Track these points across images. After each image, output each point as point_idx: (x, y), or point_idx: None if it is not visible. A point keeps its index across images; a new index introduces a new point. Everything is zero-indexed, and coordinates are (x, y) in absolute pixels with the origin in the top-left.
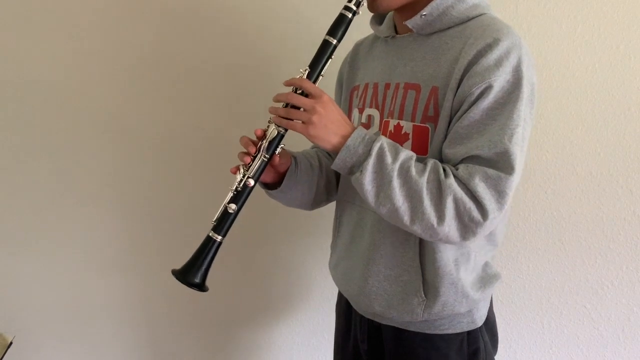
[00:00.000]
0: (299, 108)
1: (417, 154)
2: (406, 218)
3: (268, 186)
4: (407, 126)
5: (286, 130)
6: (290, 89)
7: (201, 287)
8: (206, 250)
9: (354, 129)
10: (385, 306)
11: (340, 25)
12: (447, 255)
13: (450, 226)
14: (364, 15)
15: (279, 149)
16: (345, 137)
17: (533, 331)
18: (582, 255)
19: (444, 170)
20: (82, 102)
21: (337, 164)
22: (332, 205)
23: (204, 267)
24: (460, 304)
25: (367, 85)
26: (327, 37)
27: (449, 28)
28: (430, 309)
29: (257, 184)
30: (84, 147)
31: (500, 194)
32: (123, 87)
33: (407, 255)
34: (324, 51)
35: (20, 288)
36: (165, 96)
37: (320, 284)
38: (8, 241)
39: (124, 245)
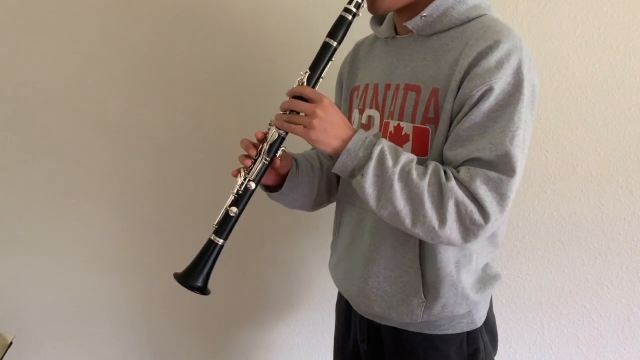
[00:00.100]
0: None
1: (417, 155)
2: (407, 221)
3: (269, 188)
4: (407, 127)
5: (287, 133)
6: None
7: (203, 290)
8: (208, 254)
9: (354, 132)
10: (385, 307)
11: (340, 28)
12: (447, 256)
13: (451, 229)
14: (364, 15)
15: (279, 152)
16: (346, 141)
17: (533, 331)
18: (582, 255)
19: (445, 172)
20: (83, 102)
21: (338, 168)
22: (332, 206)
23: (205, 271)
24: (460, 305)
25: (367, 85)
26: (327, 40)
27: (449, 29)
28: (430, 310)
29: (258, 187)
30: (84, 147)
31: (501, 196)
32: (123, 88)
33: (407, 256)
34: (324, 54)
35: (20, 288)
36: (166, 97)
37: (320, 284)
38: (8, 241)
39: (124, 245)
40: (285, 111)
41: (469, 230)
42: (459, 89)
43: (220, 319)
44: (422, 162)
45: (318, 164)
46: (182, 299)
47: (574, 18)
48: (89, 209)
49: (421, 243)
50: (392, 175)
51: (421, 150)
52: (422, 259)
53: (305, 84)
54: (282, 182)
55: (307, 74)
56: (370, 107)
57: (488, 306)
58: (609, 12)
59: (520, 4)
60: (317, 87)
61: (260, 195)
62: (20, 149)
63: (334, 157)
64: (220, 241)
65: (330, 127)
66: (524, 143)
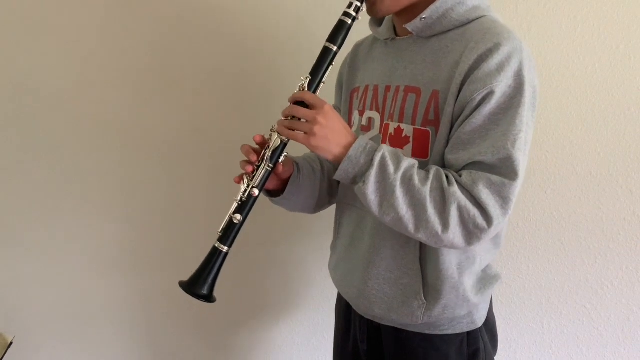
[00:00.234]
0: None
1: (418, 157)
2: (411, 226)
3: (271, 193)
4: (407, 129)
5: (289, 139)
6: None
7: (209, 298)
8: (213, 261)
9: (355, 138)
10: (385, 309)
11: (340, 32)
12: (450, 258)
13: (455, 233)
14: (364, 16)
15: (282, 158)
16: (347, 147)
17: (533, 331)
18: (582, 255)
19: (447, 177)
20: (83, 102)
21: (340, 175)
22: (332, 206)
23: (211, 279)
24: (461, 307)
25: (367, 87)
26: (328, 44)
27: (449, 31)
28: (431, 311)
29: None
30: (85, 147)
31: (504, 200)
32: (123, 88)
33: (407, 258)
34: (325, 58)
35: (20, 288)
36: (166, 97)
37: (320, 284)
38: (8, 241)
39: (124, 245)
40: (287, 117)
41: (472, 234)
42: (459, 92)
43: (220, 318)
44: (423, 164)
45: (319, 166)
46: (182, 299)
47: (574, 18)
48: (89, 209)
49: (422, 245)
50: (394, 181)
51: (422, 153)
52: (423, 261)
53: (306, 89)
54: (284, 187)
55: (308, 79)
56: (371, 109)
57: (488, 306)
58: (609, 12)
59: (520, 4)
60: (318, 92)
61: (260, 196)
62: (20, 149)
63: (335, 164)
64: (225, 248)
65: (331, 134)
66: (526, 146)
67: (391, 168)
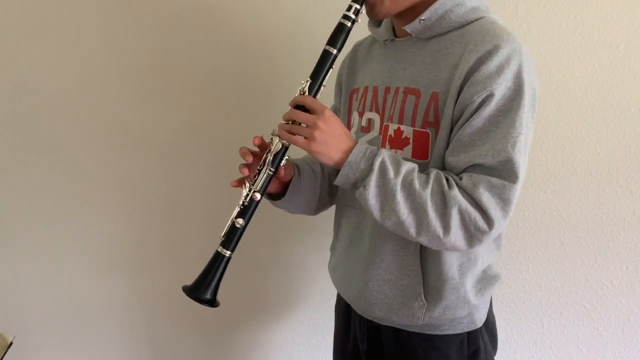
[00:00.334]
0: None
1: (418, 158)
2: (412, 230)
3: (272, 196)
4: (407, 131)
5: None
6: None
7: (212, 303)
8: (216, 266)
9: (355, 143)
10: (385, 310)
11: (339, 35)
12: (451, 260)
13: (456, 236)
14: (363, 16)
15: (283, 162)
16: (347, 153)
17: (533, 331)
18: (582, 255)
19: (447, 180)
20: (83, 102)
21: (340, 180)
22: (332, 206)
23: (214, 283)
24: (461, 308)
25: (366, 88)
26: (327, 47)
27: (448, 32)
28: (431, 312)
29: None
30: (85, 147)
31: (505, 202)
32: (124, 88)
33: (407, 259)
34: (325, 62)
35: (20, 288)
36: (166, 97)
37: (320, 284)
38: (8, 241)
39: (124, 245)
40: (288, 121)
41: (473, 236)
42: (459, 94)
43: (220, 318)
44: (423, 166)
45: (319, 168)
46: (182, 299)
47: (574, 18)
48: (89, 209)
49: (422, 246)
50: (395, 186)
51: (422, 154)
52: (423, 262)
53: (306, 93)
54: (285, 190)
55: (309, 82)
56: (370, 110)
57: (488, 306)
58: (609, 12)
59: (520, 4)
60: (318, 96)
61: None
62: (20, 149)
63: (335, 169)
64: (228, 253)
65: (331, 139)
66: (526, 147)
67: (391, 173)
